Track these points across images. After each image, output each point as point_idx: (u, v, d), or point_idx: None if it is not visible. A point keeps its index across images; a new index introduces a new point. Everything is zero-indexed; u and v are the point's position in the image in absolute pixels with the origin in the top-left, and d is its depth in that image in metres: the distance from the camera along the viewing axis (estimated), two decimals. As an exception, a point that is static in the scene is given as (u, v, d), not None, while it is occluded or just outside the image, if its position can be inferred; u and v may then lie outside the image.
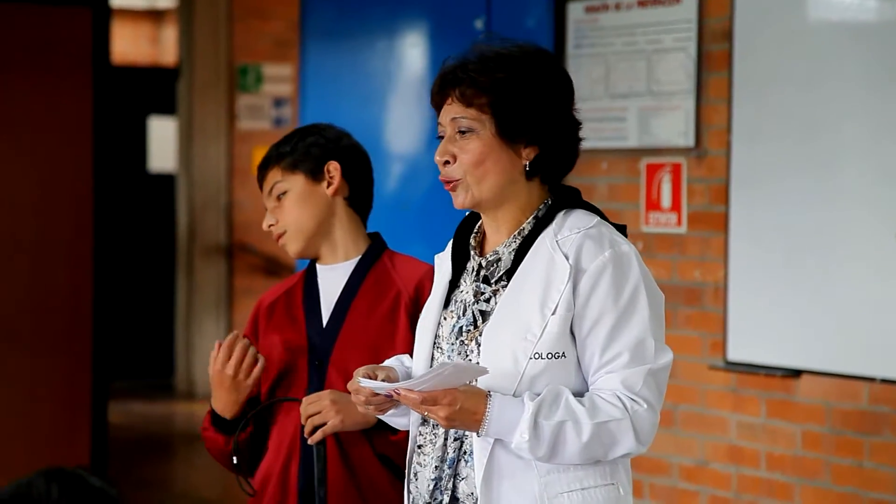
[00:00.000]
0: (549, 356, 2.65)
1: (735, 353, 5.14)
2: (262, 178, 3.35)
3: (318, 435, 3.16)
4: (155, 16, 13.20)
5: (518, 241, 2.74)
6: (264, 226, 3.35)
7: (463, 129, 2.72)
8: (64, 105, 6.80)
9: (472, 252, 2.81)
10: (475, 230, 2.83)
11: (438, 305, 2.80)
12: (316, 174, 3.32)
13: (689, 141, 5.29)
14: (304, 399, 3.19)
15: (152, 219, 11.45)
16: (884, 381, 4.72)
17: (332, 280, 3.33)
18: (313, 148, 3.32)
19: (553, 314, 2.65)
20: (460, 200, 2.74)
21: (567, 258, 2.67)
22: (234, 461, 3.29)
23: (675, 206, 5.34)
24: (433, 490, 2.74)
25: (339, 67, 6.48)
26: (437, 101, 2.79)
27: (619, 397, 2.63)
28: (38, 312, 6.76)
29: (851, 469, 4.85)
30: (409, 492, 2.80)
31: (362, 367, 2.74)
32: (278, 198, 3.32)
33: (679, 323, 5.36)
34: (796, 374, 4.99)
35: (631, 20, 5.46)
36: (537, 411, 2.59)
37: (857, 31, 4.82)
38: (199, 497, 7.85)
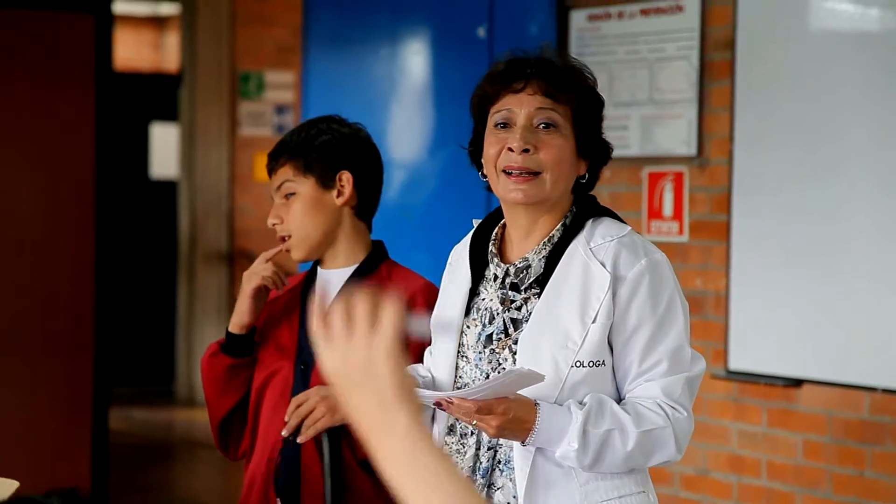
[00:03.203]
0: (591, 364, 2.65)
1: (736, 363, 5.13)
2: (271, 169, 3.33)
3: (311, 432, 3.16)
4: (157, 22, 13.21)
5: (548, 248, 2.73)
6: (269, 222, 3.33)
7: (548, 123, 2.71)
8: (66, 111, 6.79)
9: (493, 259, 2.79)
10: (492, 237, 2.81)
11: (460, 313, 2.78)
12: (327, 182, 3.29)
13: (692, 149, 5.29)
14: (292, 400, 3.19)
15: (154, 225, 11.45)
16: (885, 390, 4.72)
17: (328, 284, 3.33)
18: (327, 151, 3.29)
19: (594, 322, 2.65)
20: (530, 194, 2.70)
21: (604, 266, 2.67)
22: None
23: (677, 214, 5.34)
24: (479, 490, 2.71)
25: (341, 74, 6.48)
26: (505, 84, 2.73)
27: (660, 405, 2.65)
28: (39, 318, 6.76)
29: (852, 478, 4.85)
30: None
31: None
32: (286, 196, 3.31)
33: (680, 331, 5.36)
34: (798, 383, 4.99)
35: (633, 28, 5.46)
36: (586, 420, 2.59)
37: (859, 40, 4.82)
38: (199, 503, 7.84)
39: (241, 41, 10.55)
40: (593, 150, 2.76)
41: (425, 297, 3.25)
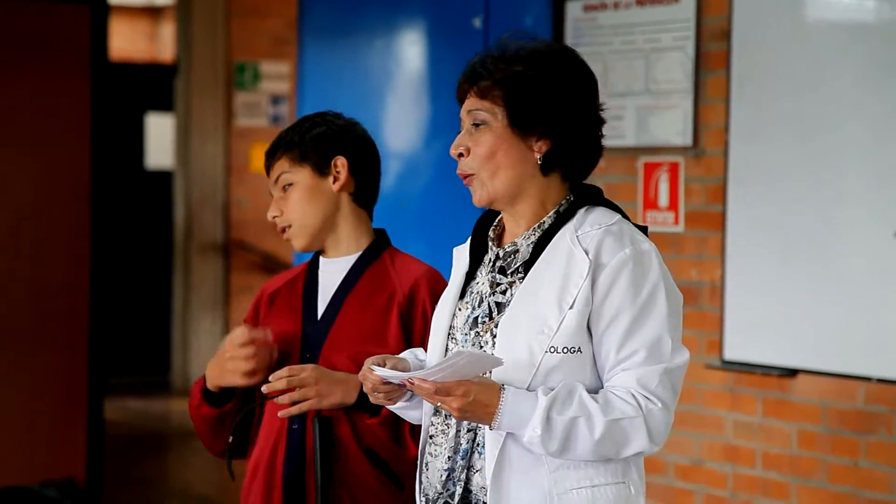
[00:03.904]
0: (565, 350, 2.64)
1: (732, 353, 5.14)
2: (269, 165, 3.35)
3: (294, 410, 3.17)
4: (153, 13, 13.20)
5: (537, 234, 2.73)
6: (269, 216, 3.34)
7: (477, 122, 2.73)
8: (61, 102, 6.79)
9: (490, 244, 2.81)
10: (495, 223, 2.83)
11: (454, 296, 2.80)
12: (322, 168, 3.31)
13: (687, 140, 5.29)
14: (288, 367, 3.20)
15: (149, 216, 11.45)
16: (880, 380, 4.72)
17: (332, 273, 3.34)
18: (321, 140, 3.31)
19: (571, 308, 2.64)
20: (477, 197, 2.74)
21: (587, 253, 2.66)
22: (230, 440, 3.30)
23: (673, 205, 5.34)
24: (446, 481, 2.73)
25: (337, 65, 6.48)
26: (460, 97, 2.79)
27: (633, 395, 2.62)
28: (34, 309, 6.76)
29: (847, 468, 4.86)
30: (420, 482, 2.80)
31: (375, 356, 2.74)
32: (284, 188, 3.32)
33: (676, 322, 5.36)
34: (793, 373, 5.00)
35: (629, 19, 5.46)
36: (550, 406, 2.58)
37: (855, 31, 4.83)
38: (195, 493, 7.85)
39: (236, 32, 10.55)
40: (544, 124, 2.70)
41: (428, 284, 3.26)
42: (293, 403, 3.17)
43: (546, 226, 2.73)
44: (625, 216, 2.78)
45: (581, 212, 2.73)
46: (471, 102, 2.74)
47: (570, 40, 5.63)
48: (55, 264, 6.78)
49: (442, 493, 2.74)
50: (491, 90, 2.70)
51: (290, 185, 3.32)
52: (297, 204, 3.31)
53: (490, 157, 2.71)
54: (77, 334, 6.85)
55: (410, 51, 6.30)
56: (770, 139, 5.02)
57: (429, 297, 3.25)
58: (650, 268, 2.66)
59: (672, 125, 5.33)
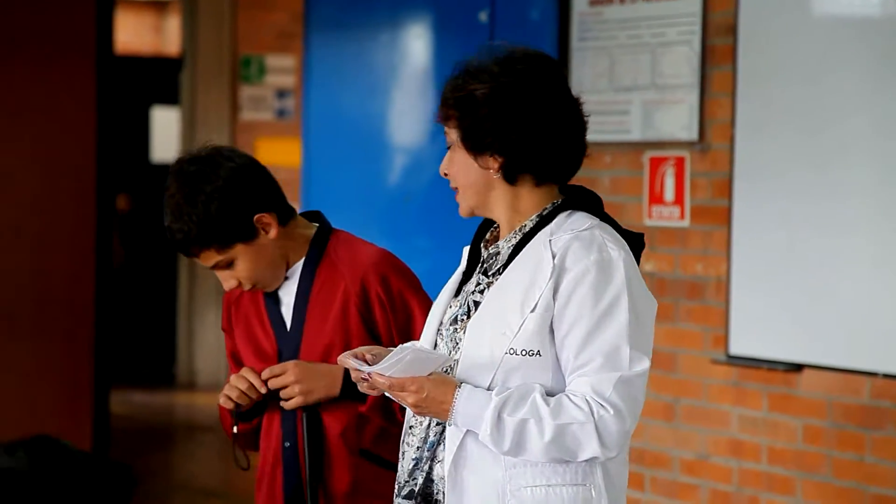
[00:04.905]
0: (524, 353, 2.68)
1: (737, 347, 5.14)
2: (192, 257, 3.25)
3: (292, 404, 3.20)
4: (158, 6, 13.20)
5: (518, 238, 2.78)
6: (226, 288, 3.26)
7: (449, 144, 2.82)
8: (67, 95, 6.79)
9: (482, 246, 2.87)
10: (494, 226, 2.88)
11: (450, 294, 2.86)
12: (251, 236, 3.21)
13: (693, 135, 5.29)
14: (268, 368, 3.22)
15: (155, 209, 11.45)
16: (886, 375, 4.72)
17: (288, 283, 3.31)
18: (230, 218, 3.17)
19: (532, 311, 2.68)
20: (460, 210, 2.84)
21: (554, 257, 2.70)
22: (234, 430, 3.31)
23: (678, 199, 5.34)
24: (413, 469, 2.81)
25: (342, 59, 6.48)
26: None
27: (587, 401, 2.65)
28: (40, 302, 6.77)
29: (853, 463, 4.86)
30: (398, 469, 2.87)
31: (360, 348, 2.79)
32: (226, 266, 3.23)
33: (681, 317, 5.36)
34: (798, 368, 4.99)
35: (635, 13, 5.46)
36: (502, 406, 2.64)
37: (861, 26, 4.82)
38: (200, 487, 7.86)
39: (242, 25, 10.54)
40: (494, 142, 2.73)
41: (377, 273, 3.24)
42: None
43: (527, 229, 2.78)
44: (613, 222, 2.80)
45: (562, 216, 2.77)
46: (446, 126, 2.83)
47: (575, 35, 5.63)
48: (60, 258, 6.79)
49: (408, 482, 2.81)
50: (448, 112, 2.78)
51: (231, 262, 3.22)
52: (247, 272, 3.23)
53: (460, 175, 2.79)
54: (82, 327, 6.86)
55: (416, 45, 6.30)
56: (776, 134, 5.01)
57: (380, 285, 3.23)
58: (614, 276, 2.68)
59: (678, 120, 5.33)
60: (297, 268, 3.30)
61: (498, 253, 2.80)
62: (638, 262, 2.80)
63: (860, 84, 4.78)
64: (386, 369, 2.66)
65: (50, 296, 6.79)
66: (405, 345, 2.74)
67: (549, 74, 2.77)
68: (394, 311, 3.22)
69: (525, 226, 2.78)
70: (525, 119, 2.73)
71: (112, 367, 7.46)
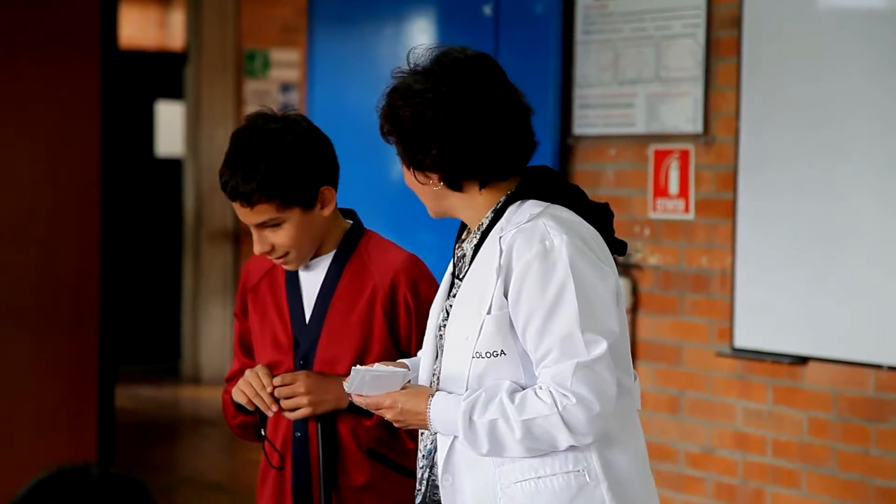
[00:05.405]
0: (489, 355, 2.69)
1: (742, 340, 5.14)
2: (244, 209, 3.15)
3: (291, 416, 3.20)
4: (163, 0, 13.20)
5: (477, 237, 2.78)
6: (256, 251, 3.19)
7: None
8: (71, 89, 6.79)
9: (458, 247, 2.88)
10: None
11: (442, 301, 2.86)
12: (311, 204, 3.17)
13: (698, 127, 5.29)
14: (278, 376, 3.21)
15: (159, 203, 11.46)
16: (891, 368, 4.72)
17: (312, 273, 3.28)
18: (302, 179, 3.14)
19: (488, 314, 2.68)
20: (430, 214, 2.86)
21: (501, 255, 2.69)
22: (263, 433, 3.31)
23: (683, 192, 5.34)
24: (420, 477, 2.87)
25: (346, 53, 6.48)
26: None
27: (550, 392, 2.64)
28: (45, 296, 6.77)
29: (858, 456, 4.85)
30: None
31: (376, 363, 2.85)
32: (273, 226, 3.18)
33: (686, 309, 5.36)
34: (803, 360, 4.99)
35: (639, 6, 5.45)
36: (470, 410, 2.66)
37: (866, 19, 4.81)
38: (205, 481, 7.87)
39: (246, 19, 10.54)
40: (424, 158, 2.73)
41: (407, 275, 3.23)
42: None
43: (484, 227, 2.77)
44: (575, 195, 2.76)
45: (512, 208, 2.74)
46: None
47: (580, 28, 5.63)
48: (65, 253, 6.78)
49: (419, 490, 2.87)
50: (384, 131, 2.81)
51: (280, 223, 3.17)
52: (290, 239, 3.17)
53: (413, 187, 2.80)
54: (87, 322, 6.85)
55: (420, 39, 6.29)
56: (781, 127, 5.01)
57: (409, 289, 3.21)
58: (557, 264, 2.65)
59: (682, 113, 5.32)
60: (322, 260, 3.28)
61: (465, 255, 2.80)
62: (611, 230, 2.78)
63: (865, 76, 4.77)
64: (355, 389, 2.74)
65: (55, 290, 6.79)
66: (358, 367, 2.78)
67: (475, 80, 2.73)
68: (418, 317, 3.21)
69: (482, 224, 2.77)
70: (451, 132, 2.71)
71: (117, 362, 7.47)
